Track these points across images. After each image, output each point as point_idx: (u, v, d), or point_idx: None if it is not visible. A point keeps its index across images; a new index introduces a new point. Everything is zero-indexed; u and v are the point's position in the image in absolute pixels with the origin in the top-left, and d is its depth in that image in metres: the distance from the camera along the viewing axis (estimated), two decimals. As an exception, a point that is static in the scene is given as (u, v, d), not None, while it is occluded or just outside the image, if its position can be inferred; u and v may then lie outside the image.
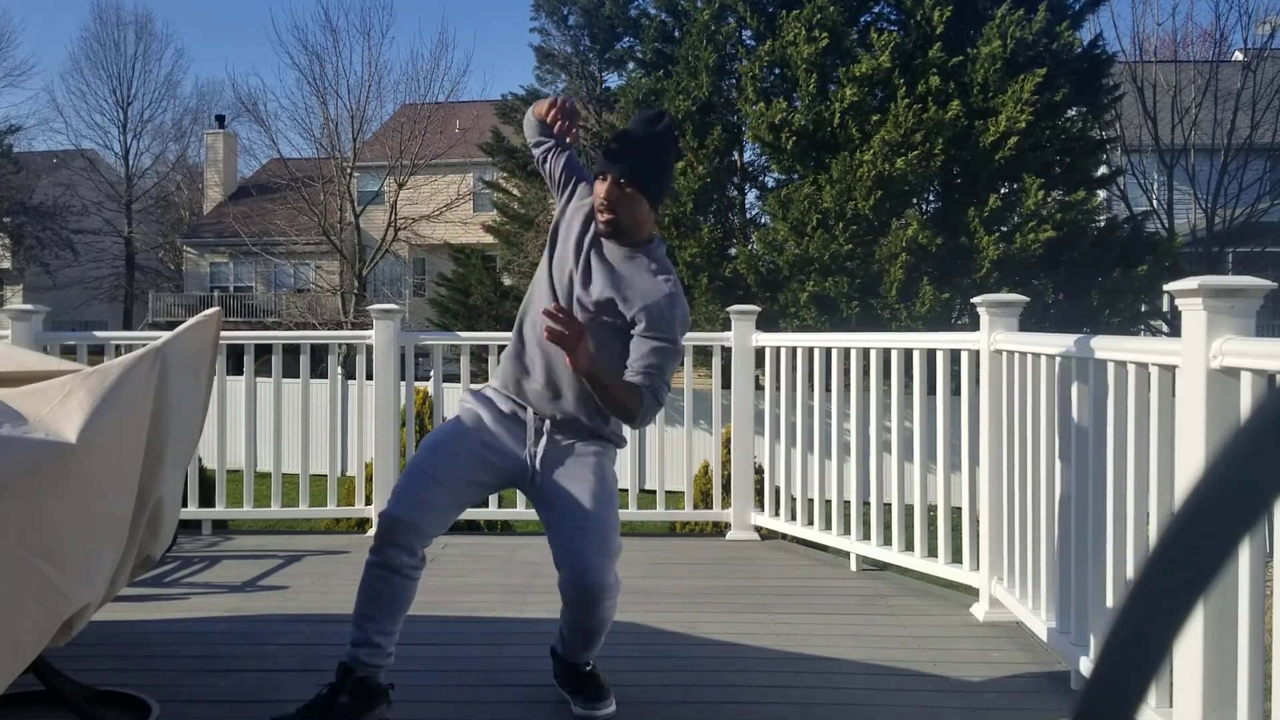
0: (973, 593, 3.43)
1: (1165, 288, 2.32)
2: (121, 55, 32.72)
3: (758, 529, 4.54)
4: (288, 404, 4.71)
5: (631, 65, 15.82)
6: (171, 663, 2.85)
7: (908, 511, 3.79)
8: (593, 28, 19.08)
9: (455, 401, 4.61)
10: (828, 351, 4.13)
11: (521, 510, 4.57)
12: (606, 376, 2.21)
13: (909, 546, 3.74)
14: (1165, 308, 13.67)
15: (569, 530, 2.28)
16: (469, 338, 4.88)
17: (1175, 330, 2.12)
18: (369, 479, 4.67)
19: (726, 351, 4.61)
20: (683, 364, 4.71)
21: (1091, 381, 2.51)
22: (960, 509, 3.47)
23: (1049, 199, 11.86)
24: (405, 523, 2.25)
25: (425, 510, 2.27)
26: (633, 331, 2.29)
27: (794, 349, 4.35)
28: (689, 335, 6.13)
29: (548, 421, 2.35)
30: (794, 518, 4.33)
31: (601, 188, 2.27)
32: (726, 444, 4.74)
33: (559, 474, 2.33)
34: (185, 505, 4.31)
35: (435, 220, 25.10)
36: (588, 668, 2.48)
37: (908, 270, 11.17)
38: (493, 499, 4.94)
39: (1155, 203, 17.05)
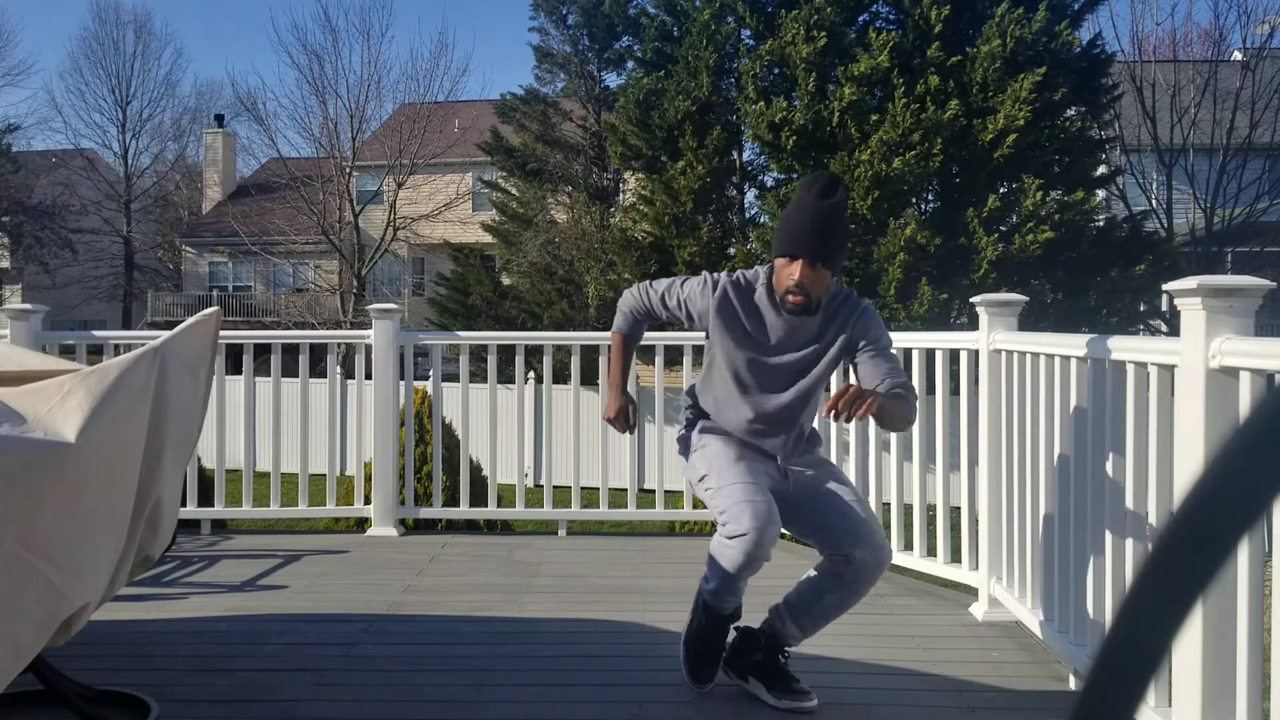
0: (972, 592, 3.43)
1: (1164, 287, 2.32)
2: (120, 54, 32.76)
3: (757, 528, 4.54)
4: (287, 404, 4.71)
5: (631, 64, 15.80)
6: (171, 662, 2.85)
7: (907, 511, 3.79)
8: (592, 27, 19.10)
9: (454, 401, 4.67)
10: (827, 351, 4.13)
11: (521, 510, 4.58)
12: (888, 403, 2.26)
13: (908, 546, 3.74)
14: (1164, 307, 13.67)
15: (856, 512, 2.39)
16: (468, 337, 4.88)
17: (1174, 330, 2.12)
18: (368, 478, 4.67)
19: (726, 351, 4.60)
20: (681, 363, 4.72)
21: (1090, 381, 2.51)
22: (959, 509, 3.47)
23: (1048, 199, 11.85)
24: (768, 532, 2.27)
25: (771, 515, 2.30)
26: (858, 355, 2.37)
27: (793, 348, 4.35)
28: (689, 334, 6.17)
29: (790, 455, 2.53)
30: (793, 517, 4.33)
31: (793, 270, 2.25)
32: (726, 443, 4.73)
33: (815, 481, 2.48)
34: (184, 505, 4.32)
35: (434, 220, 25.10)
36: (786, 657, 2.55)
37: (906, 270, 11.17)
38: (492, 499, 4.98)
39: (1154, 202, 17.05)
